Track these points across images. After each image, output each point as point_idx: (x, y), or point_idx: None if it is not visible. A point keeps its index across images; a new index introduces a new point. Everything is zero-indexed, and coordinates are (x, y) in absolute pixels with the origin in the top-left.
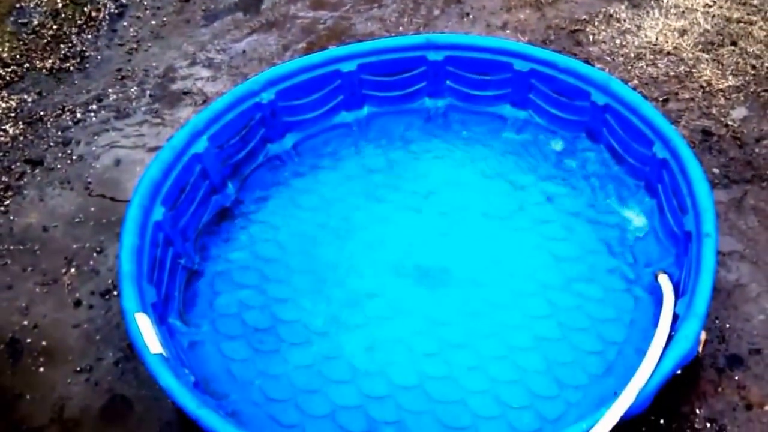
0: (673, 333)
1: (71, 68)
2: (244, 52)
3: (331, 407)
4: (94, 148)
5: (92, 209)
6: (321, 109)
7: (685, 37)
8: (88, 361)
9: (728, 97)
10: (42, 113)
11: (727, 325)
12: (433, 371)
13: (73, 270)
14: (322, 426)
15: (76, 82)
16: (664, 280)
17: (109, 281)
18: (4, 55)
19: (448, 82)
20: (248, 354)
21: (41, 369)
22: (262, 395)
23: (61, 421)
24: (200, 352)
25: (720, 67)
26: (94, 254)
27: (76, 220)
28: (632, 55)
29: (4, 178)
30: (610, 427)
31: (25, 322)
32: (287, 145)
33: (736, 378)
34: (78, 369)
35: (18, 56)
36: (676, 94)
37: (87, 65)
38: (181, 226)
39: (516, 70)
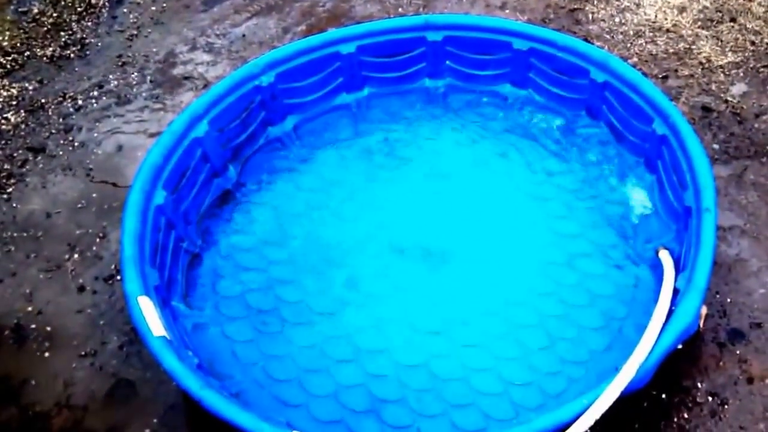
0: (673, 308)
1: (72, 55)
2: (243, 36)
3: (335, 386)
4: (95, 135)
5: (94, 195)
6: (321, 91)
7: (684, 14)
8: (93, 346)
9: (728, 73)
10: (43, 101)
11: (728, 300)
12: (436, 349)
13: (76, 256)
14: (326, 405)
15: (76, 69)
16: (664, 256)
17: (112, 266)
18: (5, 43)
19: (447, 62)
20: (252, 335)
21: (46, 354)
22: (266, 376)
23: (66, 406)
24: (204, 334)
25: (719, 43)
26: (97, 240)
27: (79, 206)
28: (631, 32)
29: (6, 166)
30: (611, 402)
31: (30, 308)
32: (288, 128)
33: (738, 352)
34: (82, 353)
35: (18, 44)
36: (676, 71)
37: (87, 52)
38: (182, 210)
39: (515, 49)
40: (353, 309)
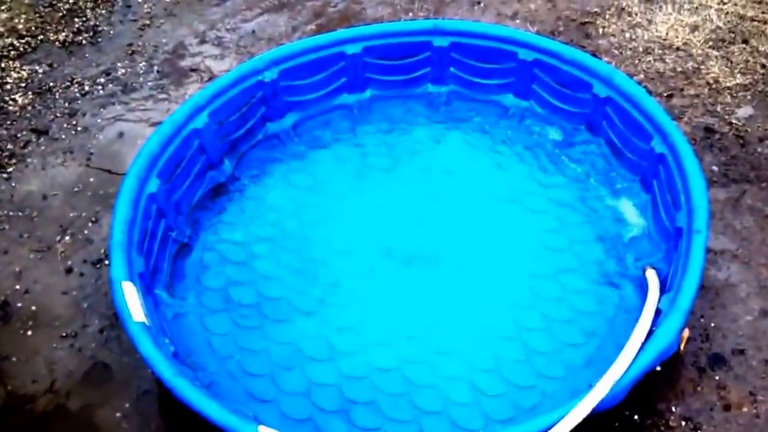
0: (654, 328)
1: (83, 42)
2: (253, 31)
3: (307, 384)
4: (99, 121)
5: (92, 180)
6: (323, 90)
7: (696, 33)
8: (74, 328)
9: (735, 95)
10: (51, 84)
11: (713, 324)
12: (411, 354)
13: (67, 238)
14: (297, 403)
15: (87, 55)
16: (651, 275)
17: (102, 251)
18: (20, 26)
19: (452, 69)
20: (230, 328)
21: (29, 333)
22: (240, 369)
23: (43, 384)
24: (183, 324)
25: (729, 64)
26: (90, 224)
27: (75, 189)
28: (641, 49)
29: (9, 146)
30: (582, 418)
31: (17, 287)
32: (287, 125)
33: (717, 378)
34: (64, 334)
35: (33, 28)
36: (682, 90)
37: (99, 39)
38: (175, 200)
39: (520, 60)
40: (333, 309)
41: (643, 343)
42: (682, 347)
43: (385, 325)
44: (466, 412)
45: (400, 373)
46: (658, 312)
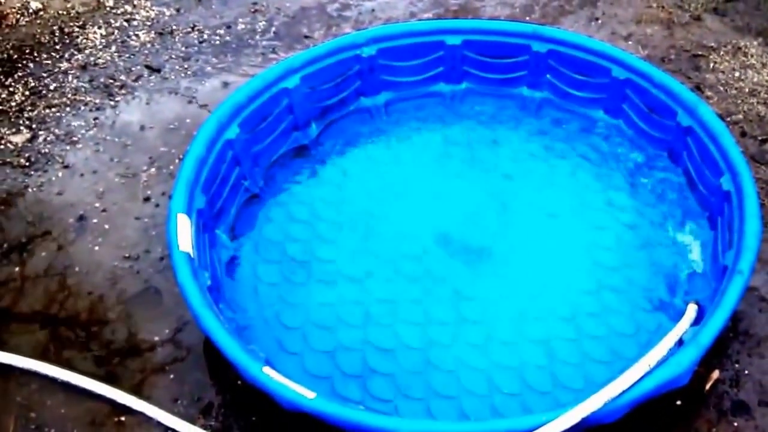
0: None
1: None
2: (372, 10)
3: (334, 346)
4: (208, 68)
5: (188, 121)
6: (420, 76)
7: None
8: (138, 251)
9: None
10: (174, 27)
11: (746, 372)
12: (439, 338)
13: (153, 170)
14: (320, 360)
15: (213, 6)
16: (690, 309)
17: None
18: None
19: (548, 76)
20: (277, 280)
21: (96, 248)
22: (276, 319)
23: (96, 296)
24: (236, 266)
25: None
26: (176, 160)
27: (171, 126)
28: (747, 90)
29: (122, 77)
30: (567, 426)
31: (97, 205)
32: (379, 102)
33: (736, 424)
34: (127, 255)
35: None
36: None
37: None
38: (254, 151)
39: (613, 77)
40: (377, 281)
41: (653, 369)
42: (707, 387)
43: (421, 307)
44: (476, 402)
45: (423, 354)
46: (681, 343)
